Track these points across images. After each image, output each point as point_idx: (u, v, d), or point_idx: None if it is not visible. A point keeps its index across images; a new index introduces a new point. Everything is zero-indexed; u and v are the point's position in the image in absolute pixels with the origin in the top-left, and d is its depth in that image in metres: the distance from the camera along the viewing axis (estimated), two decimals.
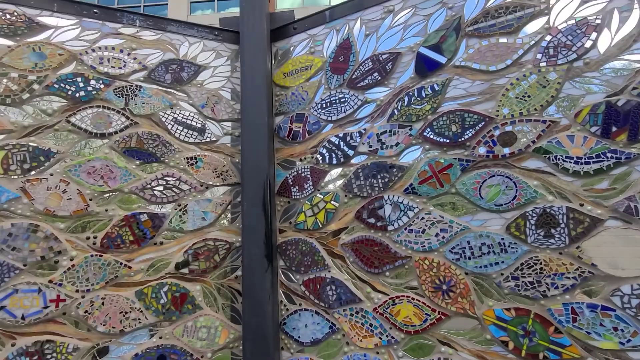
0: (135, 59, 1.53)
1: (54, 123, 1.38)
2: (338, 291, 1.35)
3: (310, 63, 1.59)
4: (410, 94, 1.35)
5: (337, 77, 1.51)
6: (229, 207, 1.54)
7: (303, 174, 1.51)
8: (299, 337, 1.39)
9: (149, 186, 1.44)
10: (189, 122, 1.55)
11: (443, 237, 1.22)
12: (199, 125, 1.57)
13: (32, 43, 1.41)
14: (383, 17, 1.46)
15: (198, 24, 1.68)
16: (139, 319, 1.32)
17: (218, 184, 1.54)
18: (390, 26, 1.44)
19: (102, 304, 1.29)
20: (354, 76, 1.48)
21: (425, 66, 1.34)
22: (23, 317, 1.21)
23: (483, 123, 1.22)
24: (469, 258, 1.18)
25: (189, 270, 1.42)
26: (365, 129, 1.42)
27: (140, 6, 14.79)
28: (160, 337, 1.34)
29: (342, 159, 1.44)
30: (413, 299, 1.24)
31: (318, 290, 1.38)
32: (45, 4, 1.47)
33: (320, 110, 1.52)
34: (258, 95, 1.57)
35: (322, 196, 1.45)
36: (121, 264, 1.34)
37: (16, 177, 1.30)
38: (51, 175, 1.33)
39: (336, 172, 1.47)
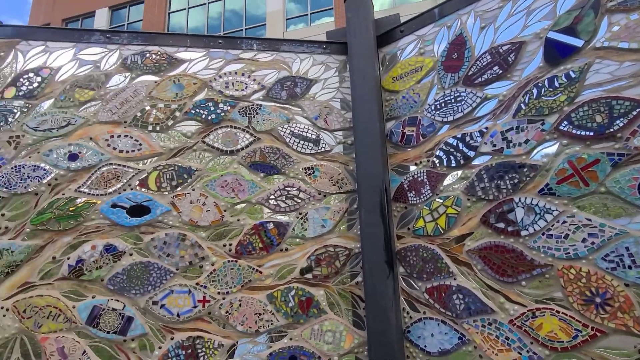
0: (254, 80, 1.67)
1: (193, 144, 1.57)
2: (466, 300, 1.28)
3: (420, 64, 1.56)
4: (540, 85, 1.23)
5: (451, 76, 1.45)
6: (346, 214, 1.58)
7: (419, 179, 1.47)
8: (425, 346, 1.35)
9: (272, 197, 1.55)
10: (304, 134, 1.64)
11: (592, 243, 1.08)
12: (313, 137, 1.64)
13: (172, 76, 1.63)
14: (500, 6, 1.36)
15: (307, 40, 1.77)
16: (271, 320, 1.42)
17: (334, 192, 1.59)
18: (510, 14, 1.34)
19: (240, 305, 1.42)
20: (470, 73, 1.40)
21: (557, 52, 1.21)
22: (178, 315, 1.39)
23: (638, 110, 1.05)
24: (629, 267, 1.02)
25: (312, 275, 1.49)
26: (487, 128, 1.33)
27: (242, 29, 16.16)
28: (291, 339, 1.42)
29: (461, 161, 1.37)
30: (558, 312, 1.11)
31: (443, 299, 1.33)
32: (180, 42, 1.69)
33: (434, 111, 1.48)
34: (368, 102, 1.58)
35: (441, 200, 1.40)
36: (253, 269, 1.47)
37: (167, 193, 1.51)
38: (193, 190, 1.52)
39: (456, 174, 1.40)
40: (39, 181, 1.46)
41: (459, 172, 1.38)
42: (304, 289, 1.47)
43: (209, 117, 1.60)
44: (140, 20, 17.92)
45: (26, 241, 1.40)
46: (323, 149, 1.63)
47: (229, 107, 1.62)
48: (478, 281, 1.27)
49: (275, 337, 1.43)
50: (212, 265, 1.45)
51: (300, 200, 1.56)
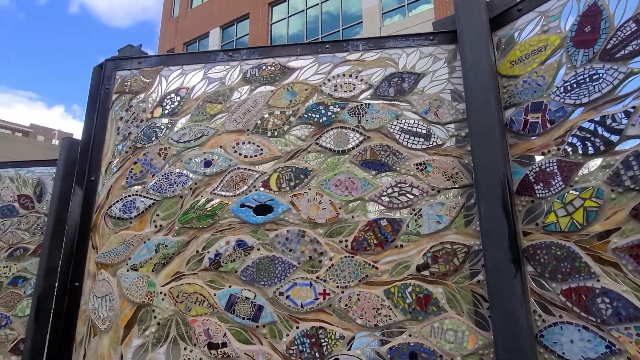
0: (362, 80, 1.70)
1: (307, 146, 1.67)
2: (615, 305, 1.12)
3: (544, 43, 1.41)
4: None
5: (584, 52, 1.29)
6: (463, 209, 1.51)
7: (548, 169, 1.34)
8: (563, 353, 1.23)
9: (385, 194, 1.56)
10: (414, 129, 1.61)
11: None
12: (424, 131, 1.60)
13: (286, 85, 1.75)
14: None
15: (413, 34, 1.74)
16: (389, 315, 1.44)
17: (449, 187, 1.54)
18: None
19: (358, 299, 1.47)
20: (608, 46, 1.23)
21: None
22: (302, 306, 1.49)
23: None
24: None
25: (429, 272, 1.46)
26: (634, 107, 1.16)
27: (339, 30, 16.48)
28: (410, 335, 1.42)
29: (602, 147, 1.21)
30: None
31: (584, 302, 1.19)
32: (291, 52, 1.80)
33: (563, 94, 1.33)
34: (484, 90, 1.49)
35: (577, 193, 1.25)
36: (369, 264, 1.50)
37: (286, 192, 1.63)
38: (309, 189, 1.61)
39: (595, 163, 1.24)
40: (182, 186, 1.70)
41: (599, 160, 1.22)
42: (421, 285, 1.45)
43: (321, 120, 1.68)
44: (247, 34, 19.49)
45: (176, 237, 1.65)
46: (435, 143, 1.59)
47: (338, 109, 1.68)
48: (629, 283, 1.11)
49: (395, 333, 1.44)
50: (330, 260, 1.52)
51: (413, 197, 1.54)
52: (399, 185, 1.56)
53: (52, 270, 3.11)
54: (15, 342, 3.09)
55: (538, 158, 1.39)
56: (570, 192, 1.27)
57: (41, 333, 2.96)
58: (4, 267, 3.25)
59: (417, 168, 1.57)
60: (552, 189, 1.32)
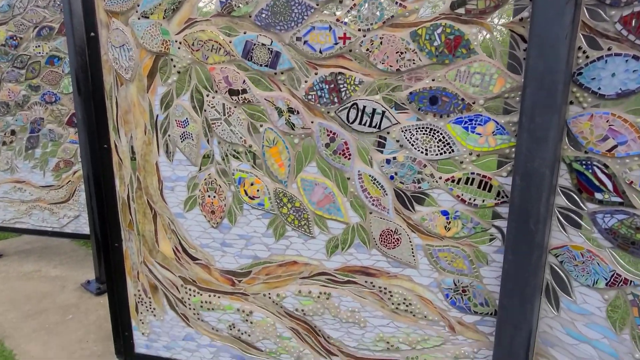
0: None
1: None
2: None
3: None
4: None
5: None
6: None
7: None
8: (598, 88, 1.13)
9: None
10: None
11: None
12: None
13: None
14: None
15: None
16: (413, 59, 1.34)
17: None
18: None
19: (380, 43, 1.35)
20: None
21: None
22: (320, 51, 1.41)
23: None
24: None
25: (465, 10, 1.27)
26: None
27: None
28: (433, 80, 1.35)
29: None
30: None
31: None
32: None
33: None
34: None
35: None
36: (396, 2, 1.32)
37: None
38: None
39: None
40: None
41: None
42: (453, 26, 1.29)
43: None
44: None
45: None
46: None
47: None
48: None
49: (417, 78, 1.37)
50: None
51: None
52: None
53: (80, 49, 3.13)
54: (69, 116, 3.39)
55: None
56: None
57: (87, 106, 3.20)
58: (36, 47, 3.30)
59: None
60: None
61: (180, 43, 1.53)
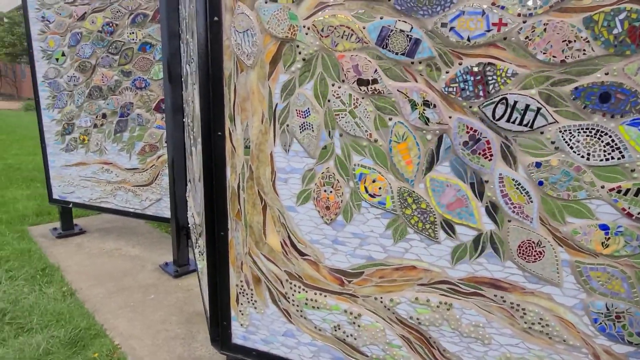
0: None
1: None
2: None
3: None
4: None
5: None
6: None
7: None
8: None
9: None
10: None
11: None
12: None
13: None
14: None
15: None
16: (584, 49, 1.17)
17: None
18: None
19: (544, 30, 1.19)
20: None
21: None
22: (469, 39, 1.27)
23: None
24: None
25: None
26: None
27: None
28: (607, 74, 1.17)
29: None
30: None
31: None
32: None
33: None
34: None
35: None
36: None
37: None
38: None
39: None
40: None
41: None
42: None
43: None
44: None
45: None
46: None
47: None
48: None
49: (585, 71, 1.20)
50: None
51: None
52: None
53: (174, 35, 3.17)
54: (157, 102, 3.48)
55: None
56: None
57: (175, 92, 3.26)
58: (130, 34, 3.39)
59: None
60: None
61: (308, 28, 1.45)
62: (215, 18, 1.57)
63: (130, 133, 3.63)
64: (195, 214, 2.62)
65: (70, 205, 4.12)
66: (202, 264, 2.30)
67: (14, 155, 8.01)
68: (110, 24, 3.42)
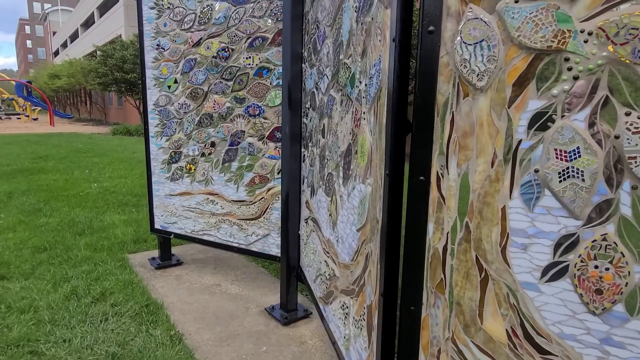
0: None
1: None
2: None
3: None
4: None
5: None
6: None
7: None
8: None
9: None
10: None
11: None
12: None
13: None
14: None
15: None
16: None
17: None
18: None
19: None
20: None
21: None
22: None
23: None
24: None
25: None
26: None
27: None
28: None
29: None
30: None
31: None
32: None
33: None
34: None
35: None
36: None
37: None
38: None
39: None
40: None
41: None
42: None
43: None
44: None
45: None
46: None
47: None
48: None
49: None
50: None
51: None
52: None
53: (297, 58, 2.91)
54: (271, 130, 3.21)
55: None
56: None
57: (295, 120, 2.96)
58: (247, 58, 3.20)
59: None
60: None
61: (589, 34, 1.00)
62: (431, 28, 1.19)
63: (239, 163, 3.40)
64: (328, 260, 2.23)
65: (172, 236, 3.98)
66: (351, 331, 1.88)
67: (109, 179, 8.40)
68: (226, 49, 3.26)
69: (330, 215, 2.18)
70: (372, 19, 1.50)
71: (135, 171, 9.31)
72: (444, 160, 1.23)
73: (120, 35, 29.48)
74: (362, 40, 1.63)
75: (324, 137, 2.29)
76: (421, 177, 1.27)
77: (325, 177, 2.23)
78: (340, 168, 1.94)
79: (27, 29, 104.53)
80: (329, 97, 2.14)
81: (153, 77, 3.71)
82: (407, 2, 1.26)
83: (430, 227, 1.29)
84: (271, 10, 3.01)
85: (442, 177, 1.24)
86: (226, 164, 3.47)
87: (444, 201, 1.25)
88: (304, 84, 2.78)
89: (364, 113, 1.61)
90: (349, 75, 1.79)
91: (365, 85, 1.58)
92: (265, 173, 3.29)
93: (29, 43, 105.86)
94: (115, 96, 32.29)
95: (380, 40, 1.44)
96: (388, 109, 1.34)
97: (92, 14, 38.42)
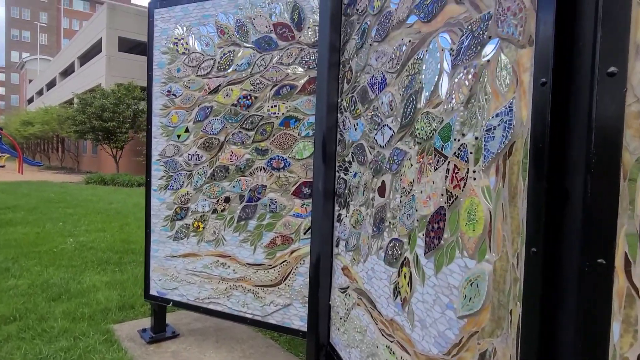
0: None
1: None
2: None
3: None
4: None
5: None
6: None
7: None
8: None
9: None
10: None
11: None
12: None
13: None
14: None
15: None
16: None
17: None
18: None
19: None
20: None
21: None
22: None
23: None
24: None
25: None
26: None
27: None
28: None
29: None
30: None
31: None
32: None
33: None
34: None
35: None
36: None
37: None
38: None
39: None
40: None
41: None
42: None
43: None
44: None
45: None
46: None
47: None
48: None
49: None
50: None
51: None
52: None
53: (333, 108, 2.66)
54: (297, 185, 2.88)
55: None
56: None
57: (329, 174, 2.65)
58: (272, 107, 2.93)
59: None
60: None
61: None
62: (612, 69, 0.93)
63: (258, 221, 3.01)
64: (393, 346, 1.82)
65: (170, 304, 3.44)
66: None
67: (85, 232, 7.70)
68: (249, 97, 2.99)
69: (396, 290, 1.81)
70: (489, 61, 1.26)
71: (114, 224, 8.61)
72: (636, 239, 0.93)
73: (100, 84, 29.28)
74: (465, 85, 1.37)
75: (382, 197, 1.97)
76: (599, 260, 0.95)
77: (387, 243, 1.89)
78: (422, 235, 1.60)
79: (2, 76, 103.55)
80: (393, 151, 1.85)
81: (161, 124, 3.37)
82: (562, 37, 1.01)
83: (616, 327, 0.95)
84: (302, 57, 2.80)
85: (635, 261, 0.93)
86: (242, 222, 3.07)
87: (638, 293, 0.93)
88: (342, 136, 2.51)
89: (474, 172, 1.31)
90: (437, 127, 1.52)
91: (476, 138, 1.30)
92: (289, 233, 2.91)
93: (1, 90, 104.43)
94: (90, 144, 31.44)
95: (507, 85, 1.18)
96: (536, 169, 1.05)
97: (73, 63, 38.39)
